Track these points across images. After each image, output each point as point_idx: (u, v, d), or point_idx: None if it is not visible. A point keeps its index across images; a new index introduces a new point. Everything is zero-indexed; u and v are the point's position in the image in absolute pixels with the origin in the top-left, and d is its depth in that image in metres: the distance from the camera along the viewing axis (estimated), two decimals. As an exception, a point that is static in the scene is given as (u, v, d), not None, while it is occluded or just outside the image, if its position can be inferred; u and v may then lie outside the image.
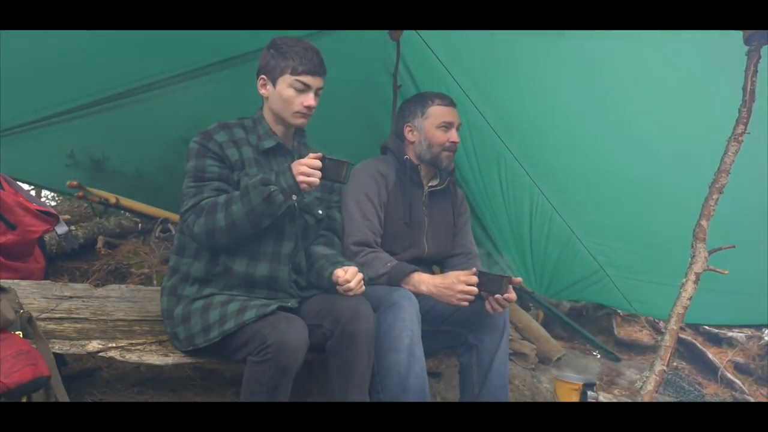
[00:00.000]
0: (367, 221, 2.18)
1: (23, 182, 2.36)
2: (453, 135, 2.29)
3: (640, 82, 2.36)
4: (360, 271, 1.89)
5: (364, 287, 1.87)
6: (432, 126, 2.30)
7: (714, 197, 1.83)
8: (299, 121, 1.91)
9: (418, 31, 2.92)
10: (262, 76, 1.91)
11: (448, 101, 2.34)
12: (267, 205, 1.72)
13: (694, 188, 1.91)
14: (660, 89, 2.33)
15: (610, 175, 2.87)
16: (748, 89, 1.80)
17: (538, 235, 3.55)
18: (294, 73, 1.85)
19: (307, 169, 1.72)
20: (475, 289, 1.97)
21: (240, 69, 2.74)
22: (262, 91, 1.93)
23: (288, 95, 1.87)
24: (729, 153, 1.82)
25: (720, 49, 1.91)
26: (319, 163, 1.73)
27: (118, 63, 2.58)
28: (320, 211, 2.00)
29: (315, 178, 1.72)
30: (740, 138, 1.81)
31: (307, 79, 1.86)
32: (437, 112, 2.31)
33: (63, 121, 2.82)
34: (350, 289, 1.83)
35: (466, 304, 1.99)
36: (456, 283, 1.98)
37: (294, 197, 1.74)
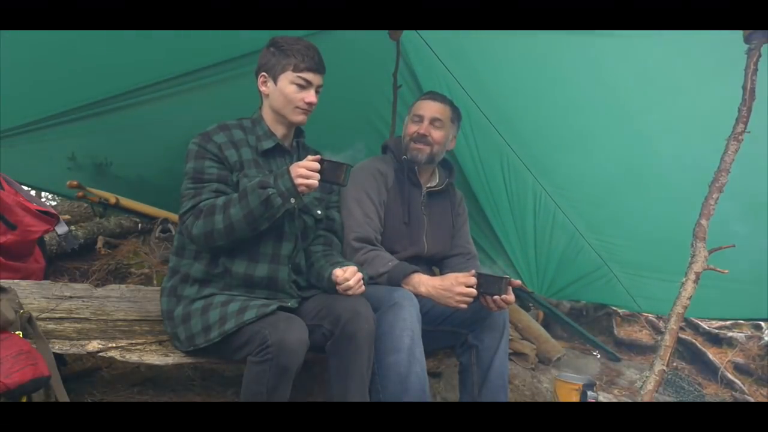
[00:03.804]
0: (367, 218, 2.18)
1: (24, 184, 2.35)
2: (422, 127, 2.27)
3: (640, 80, 2.36)
4: (359, 270, 1.88)
5: (363, 287, 1.87)
6: (409, 119, 2.34)
7: (714, 196, 1.83)
8: (300, 118, 1.92)
9: (418, 31, 2.93)
10: (263, 73, 1.92)
11: (431, 96, 2.34)
12: (265, 208, 1.72)
13: (696, 185, 1.92)
14: (661, 88, 2.34)
15: (612, 172, 2.88)
16: (748, 88, 1.80)
17: (542, 231, 3.56)
18: (296, 69, 1.86)
19: (305, 171, 1.72)
20: (473, 290, 1.97)
21: (242, 70, 2.75)
22: (263, 89, 1.93)
23: (290, 92, 1.87)
24: (729, 152, 1.82)
25: (720, 47, 1.92)
26: (317, 166, 1.72)
27: (119, 64, 2.58)
28: (319, 212, 2.00)
29: (313, 181, 1.72)
30: (740, 137, 1.81)
31: (309, 75, 1.87)
32: (415, 106, 2.34)
33: (64, 123, 2.82)
34: (349, 288, 1.83)
35: (464, 306, 1.98)
36: (455, 285, 1.98)
37: (292, 200, 1.73)
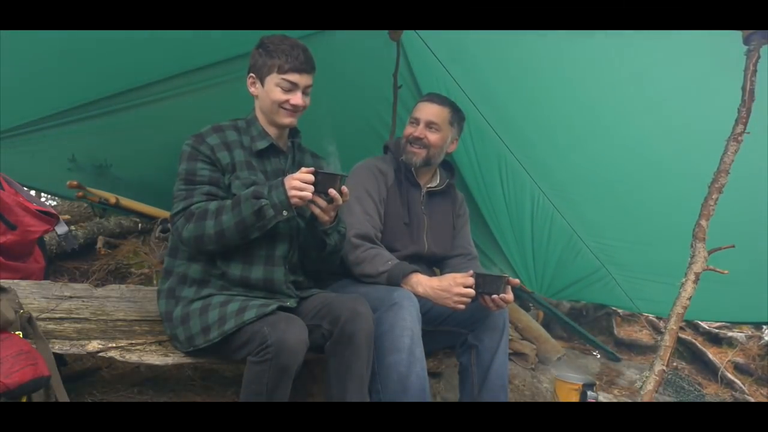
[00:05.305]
0: (367, 216, 2.19)
1: (24, 185, 2.35)
2: (417, 130, 2.28)
3: (640, 81, 2.36)
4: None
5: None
6: (408, 121, 2.34)
7: (714, 197, 1.83)
8: (287, 120, 1.90)
9: (418, 31, 2.93)
10: (251, 74, 1.91)
11: (428, 98, 2.34)
12: (257, 219, 1.72)
13: (694, 187, 1.92)
14: (660, 89, 2.34)
15: (611, 174, 2.88)
16: (748, 89, 1.80)
17: (540, 233, 3.56)
18: (281, 71, 1.84)
19: (299, 183, 1.71)
20: (471, 291, 1.97)
21: (243, 72, 2.74)
22: (252, 90, 1.93)
23: (276, 94, 1.86)
24: (728, 153, 1.82)
25: (719, 48, 1.92)
26: (311, 178, 1.72)
27: (119, 64, 2.58)
28: (310, 212, 1.99)
29: (307, 193, 1.71)
30: (739, 138, 1.81)
31: (293, 77, 1.84)
32: (414, 108, 2.35)
33: (64, 124, 2.82)
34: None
35: (462, 307, 1.98)
36: (453, 286, 1.98)
37: (284, 213, 1.73)
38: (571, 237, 3.49)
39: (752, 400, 3.93)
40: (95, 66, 2.54)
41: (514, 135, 3.13)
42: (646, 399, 1.78)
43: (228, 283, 1.85)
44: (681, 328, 2.06)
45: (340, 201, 1.77)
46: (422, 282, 2.05)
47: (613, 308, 4.65)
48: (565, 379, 2.87)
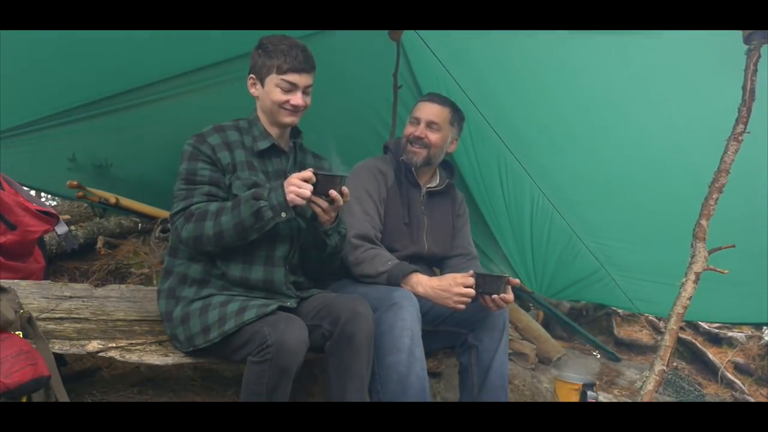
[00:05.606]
0: (367, 216, 2.19)
1: (24, 185, 2.35)
2: (418, 129, 2.28)
3: (639, 81, 2.36)
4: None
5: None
6: (408, 121, 2.34)
7: (714, 197, 1.83)
8: (289, 119, 1.90)
9: (418, 31, 2.93)
10: (251, 75, 1.91)
11: (429, 98, 2.34)
12: (255, 220, 1.72)
13: (695, 187, 1.92)
14: (660, 88, 2.34)
15: (610, 174, 2.88)
16: (748, 88, 1.80)
17: (539, 234, 3.56)
18: (280, 72, 1.84)
19: (297, 181, 1.71)
20: (472, 291, 1.97)
21: (243, 72, 2.74)
22: (252, 91, 1.93)
23: (275, 95, 1.86)
24: (729, 152, 1.82)
25: (719, 48, 1.92)
26: (311, 176, 1.72)
27: (119, 64, 2.58)
28: (311, 213, 1.99)
29: (305, 191, 1.71)
30: (740, 137, 1.81)
31: (293, 77, 1.84)
32: (415, 107, 2.35)
33: (64, 124, 2.82)
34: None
35: (462, 306, 1.98)
36: (453, 286, 1.98)
37: (283, 215, 1.72)
38: (570, 237, 3.49)
39: (752, 400, 3.93)
40: (95, 66, 2.54)
41: (514, 135, 3.13)
42: (646, 399, 1.78)
43: (228, 283, 1.85)
44: (681, 328, 2.06)
45: (341, 202, 1.77)
46: (422, 282, 2.04)
47: (613, 308, 4.65)
48: (565, 379, 2.88)
